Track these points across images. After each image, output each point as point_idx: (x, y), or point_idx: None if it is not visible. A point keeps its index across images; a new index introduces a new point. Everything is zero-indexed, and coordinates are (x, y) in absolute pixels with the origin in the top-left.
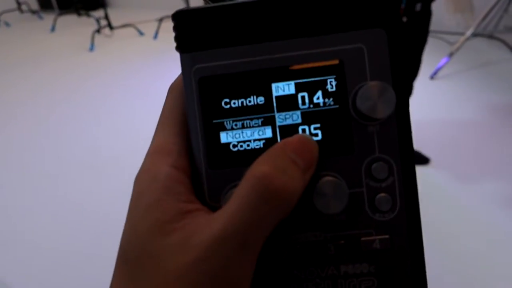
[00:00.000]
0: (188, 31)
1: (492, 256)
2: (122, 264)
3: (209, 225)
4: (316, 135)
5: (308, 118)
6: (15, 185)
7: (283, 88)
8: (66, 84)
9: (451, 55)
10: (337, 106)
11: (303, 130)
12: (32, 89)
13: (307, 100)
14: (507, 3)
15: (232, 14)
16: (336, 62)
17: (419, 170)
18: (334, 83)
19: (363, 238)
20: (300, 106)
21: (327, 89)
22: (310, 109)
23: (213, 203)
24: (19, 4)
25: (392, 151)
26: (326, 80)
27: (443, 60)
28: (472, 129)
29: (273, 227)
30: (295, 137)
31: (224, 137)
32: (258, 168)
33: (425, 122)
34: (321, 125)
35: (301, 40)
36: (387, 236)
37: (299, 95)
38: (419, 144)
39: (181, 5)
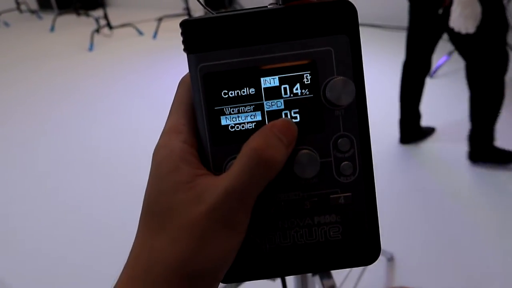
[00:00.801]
0: (193, 36)
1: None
2: (148, 216)
3: (216, 184)
4: (296, 117)
5: (289, 104)
6: (14, 184)
7: (269, 81)
8: (65, 84)
9: (450, 53)
10: (311, 95)
11: (286, 114)
12: (31, 89)
13: (288, 91)
14: (506, 2)
15: (229, 23)
16: (310, 61)
17: (422, 169)
18: (309, 77)
19: (331, 196)
20: (283, 95)
21: (304, 82)
22: (291, 98)
23: (217, 172)
24: (18, 4)
25: (353, 130)
26: (303, 75)
27: (443, 59)
28: None
29: (263, 187)
30: (280, 120)
31: (224, 120)
32: (253, 142)
33: (424, 121)
34: (299, 110)
35: (284, 43)
36: (349, 194)
37: (282, 86)
38: (418, 143)
39: (180, 5)
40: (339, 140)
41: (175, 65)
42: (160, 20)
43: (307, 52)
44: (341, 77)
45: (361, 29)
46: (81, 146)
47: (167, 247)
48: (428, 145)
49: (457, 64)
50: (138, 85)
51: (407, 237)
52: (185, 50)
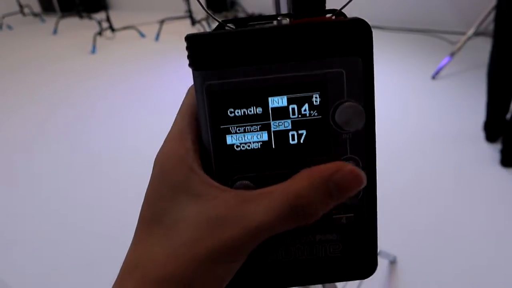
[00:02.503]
0: (200, 52)
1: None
2: (151, 225)
3: (243, 216)
4: (302, 138)
5: (296, 125)
6: (17, 186)
7: (277, 101)
8: (68, 86)
9: (452, 54)
10: (320, 116)
11: (293, 136)
12: (34, 91)
13: (296, 111)
14: None
15: (237, 40)
16: (321, 82)
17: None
18: (318, 99)
19: (334, 216)
20: (291, 115)
21: (313, 103)
22: (299, 118)
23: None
24: (21, 7)
25: (360, 153)
26: (312, 95)
27: (445, 60)
28: (475, 129)
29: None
30: (345, 172)
31: (229, 139)
32: (299, 190)
33: (427, 123)
34: (306, 131)
35: (293, 63)
36: (352, 215)
37: (290, 107)
38: (421, 144)
39: (182, 8)
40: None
41: (177, 67)
42: (162, 22)
43: (318, 73)
44: (352, 103)
45: None
46: (83, 148)
47: (169, 261)
48: (428, 146)
49: (460, 65)
50: (141, 87)
51: (412, 239)
52: (190, 66)
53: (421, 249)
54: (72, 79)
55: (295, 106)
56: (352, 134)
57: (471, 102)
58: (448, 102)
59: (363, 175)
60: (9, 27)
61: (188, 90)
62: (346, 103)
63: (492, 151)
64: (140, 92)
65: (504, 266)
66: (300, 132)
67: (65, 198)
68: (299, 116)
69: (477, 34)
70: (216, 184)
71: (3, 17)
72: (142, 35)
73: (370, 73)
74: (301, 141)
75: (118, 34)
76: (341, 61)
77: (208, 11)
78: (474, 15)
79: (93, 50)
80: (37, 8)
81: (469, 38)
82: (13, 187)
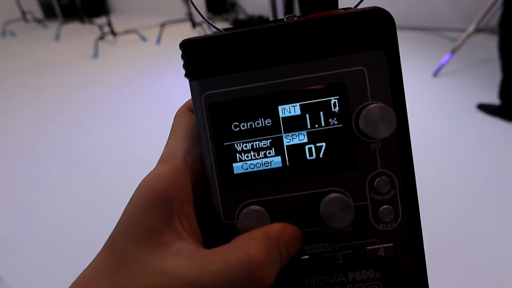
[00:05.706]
0: (196, 59)
1: None
2: (110, 256)
3: (196, 272)
4: (321, 153)
5: (313, 137)
6: (19, 188)
7: (289, 109)
8: (71, 91)
9: (453, 51)
10: (341, 125)
11: (310, 150)
12: (37, 96)
13: (312, 121)
14: None
15: (238, 42)
16: (338, 84)
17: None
18: (337, 104)
19: (368, 247)
20: (306, 126)
21: (331, 110)
22: (316, 129)
23: (228, 221)
24: (23, 13)
25: (394, 167)
26: (329, 101)
27: (446, 57)
28: (477, 126)
29: None
30: (290, 231)
31: (236, 159)
32: (251, 251)
33: (429, 121)
34: (326, 144)
35: (305, 64)
36: (391, 245)
37: (305, 115)
38: (422, 143)
39: (182, 11)
40: (377, 180)
41: (179, 70)
42: (163, 25)
43: (334, 73)
44: (379, 104)
45: None
46: (85, 152)
47: None
48: (430, 144)
49: (461, 62)
50: (143, 90)
51: None
52: (186, 76)
53: (428, 248)
54: (74, 83)
55: (311, 115)
56: (382, 143)
57: (473, 99)
58: (450, 99)
59: (301, 234)
60: (12, 34)
61: (177, 112)
62: (371, 106)
63: (495, 151)
64: (142, 95)
65: None
66: (318, 145)
67: (67, 202)
68: (316, 126)
69: (477, 30)
70: (189, 241)
71: (6, 24)
72: (144, 39)
73: (397, 68)
74: (320, 156)
75: (119, 38)
76: (361, 57)
77: (207, 19)
78: (474, 11)
79: (95, 55)
80: (39, 14)
81: (469, 35)
82: (14, 190)
